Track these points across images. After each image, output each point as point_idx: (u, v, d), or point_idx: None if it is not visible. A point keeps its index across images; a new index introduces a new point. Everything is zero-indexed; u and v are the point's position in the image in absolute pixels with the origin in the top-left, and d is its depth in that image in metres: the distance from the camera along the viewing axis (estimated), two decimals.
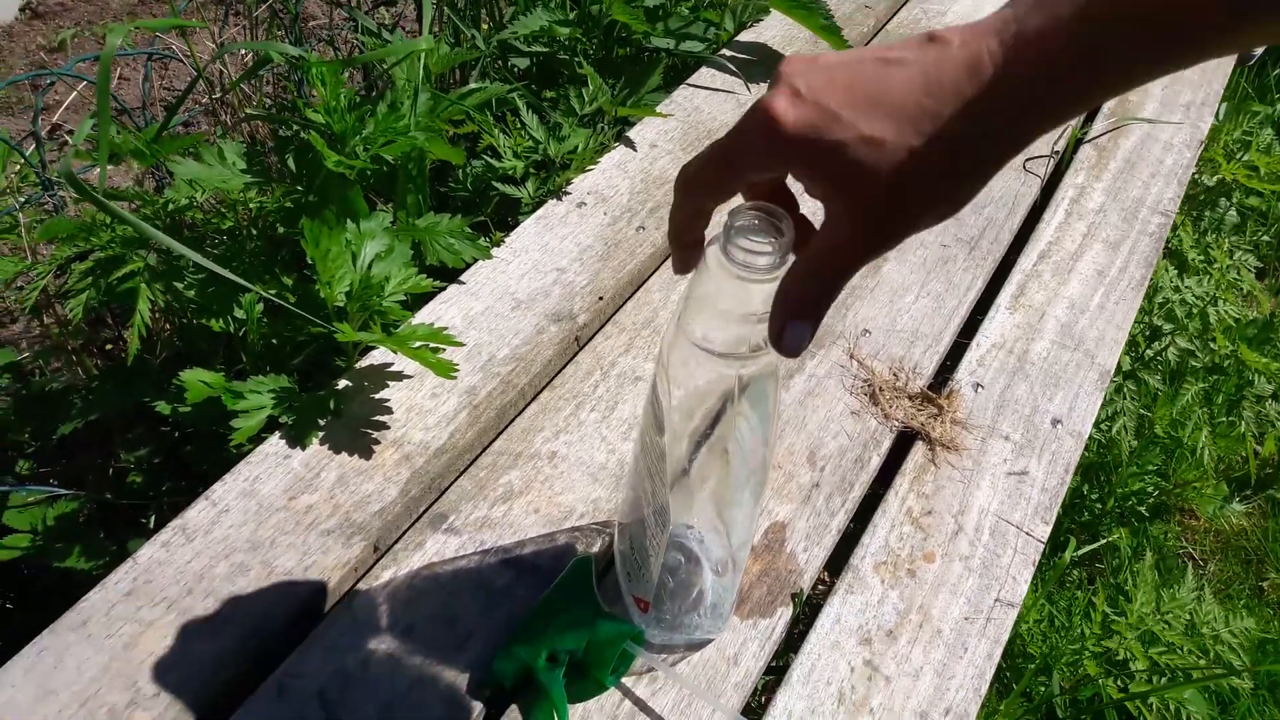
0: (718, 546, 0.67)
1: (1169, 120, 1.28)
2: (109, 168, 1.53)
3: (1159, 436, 1.23)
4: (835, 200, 0.41)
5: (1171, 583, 1.11)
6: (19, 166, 1.03)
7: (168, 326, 1.09)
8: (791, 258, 0.45)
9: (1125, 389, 1.18)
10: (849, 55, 0.41)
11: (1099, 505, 1.22)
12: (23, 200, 1.00)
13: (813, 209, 0.43)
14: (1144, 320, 1.25)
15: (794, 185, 0.45)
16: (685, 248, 0.49)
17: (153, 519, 0.94)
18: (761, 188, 0.47)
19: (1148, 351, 1.23)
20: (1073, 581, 1.19)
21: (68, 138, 1.57)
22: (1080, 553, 1.11)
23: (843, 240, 0.41)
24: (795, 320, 0.43)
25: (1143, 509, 1.23)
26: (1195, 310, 1.24)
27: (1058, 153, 1.18)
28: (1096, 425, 1.22)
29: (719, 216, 0.46)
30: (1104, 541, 1.17)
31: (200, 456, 0.96)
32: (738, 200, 0.47)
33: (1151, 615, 1.04)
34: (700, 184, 0.45)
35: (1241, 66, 1.71)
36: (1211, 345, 1.22)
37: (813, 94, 0.40)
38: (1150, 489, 1.25)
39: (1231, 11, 0.34)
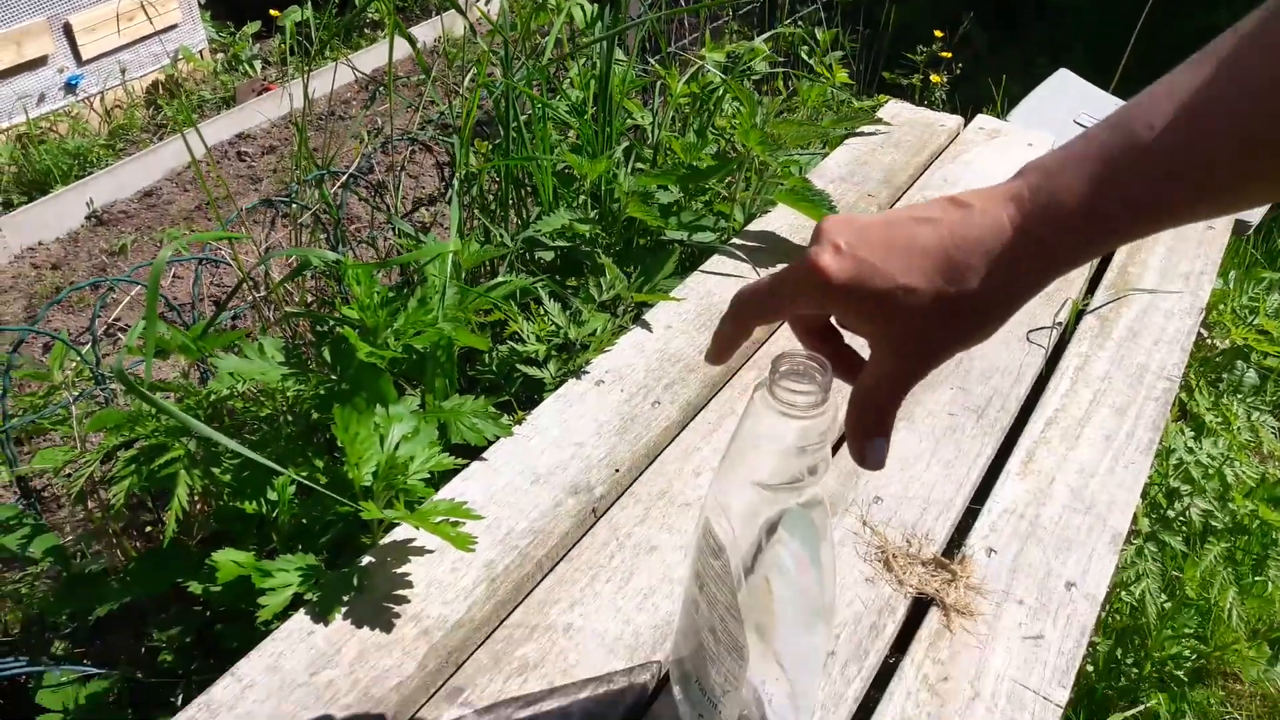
0: (775, 680, 0.68)
1: (1169, 290, 1.32)
2: (160, 361, 1.62)
3: (1191, 598, 1.21)
4: (878, 338, 0.49)
5: None
6: (75, 363, 1.10)
7: (204, 509, 1.13)
8: (829, 398, 0.53)
9: (1147, 550, 1.17)
10: (881, 216, 0.49)
11: (1135, 670, 1.19)
12: (76, 394, 1.07)
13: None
14: (1163, 482, 1.25)
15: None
16: (723, 351, 0.56)
17: (180, 697, 0.95)
18: (806, 319, 0.55)
19: (1169, 512, 1.23)
20: None
21: (121, 334, 1.68)
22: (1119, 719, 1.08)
23: (888, 371, 0.49)
24: (870, 439, 0.50)
25: (1181, 673, 1.20)
26: (1212, 471, 1.24)
27: (1060, 324, 1.22)
28: (1124, 588, 1.21)
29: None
30: (1142, 708, 1.13)
31: (229, 635, 0.99)
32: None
33: None
34: (751, 311, 0.53)
35: (1239, 236, 1.77)
36: (1231, 506, 1.22)
37: (852, 249, 0.47)
38: (1188, 652, 1.22)
39: (1242, 151, 0.41)
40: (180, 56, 3.57)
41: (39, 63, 3.17)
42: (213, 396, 1.04)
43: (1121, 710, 1.14)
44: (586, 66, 1.67)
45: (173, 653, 1.02)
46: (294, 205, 1.34)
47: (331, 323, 1.06)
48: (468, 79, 1.24)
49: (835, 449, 1.02)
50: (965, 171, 1.56)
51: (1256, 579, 1.22)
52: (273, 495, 0.93)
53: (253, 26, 3.88)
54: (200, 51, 3.68)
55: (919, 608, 0.86)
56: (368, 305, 0.95)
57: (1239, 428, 1.34)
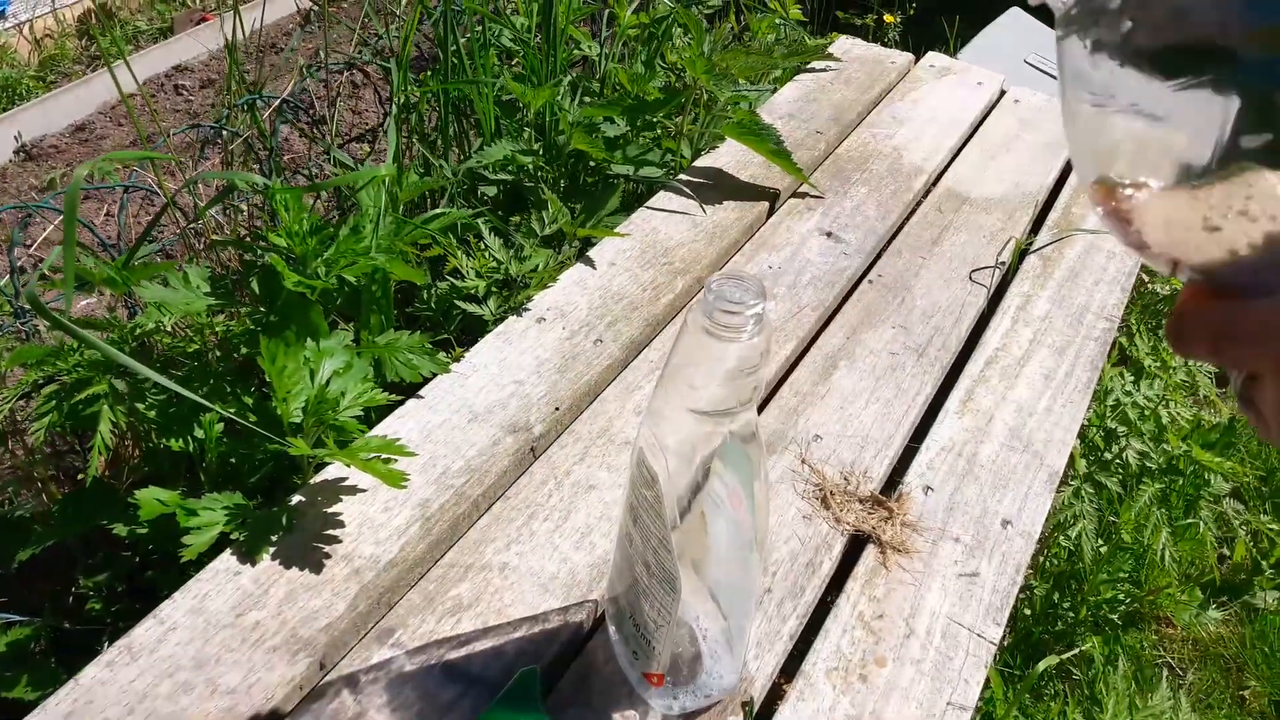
0: (710, 616, 0.68)
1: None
2: (89, 299, 1.57)
3: (1126, 542, 1.23)
4: None
5: (1147, 692, 1.10)
6: None
7: (136, 453, 1.10)
8: (764, 322, 0.51)
9: (1084, 492, 1.19)
10: None
11: (1072, 614, 1.21)
12: None
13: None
14: (1101, 424, 1.26)
15: None
16: None
17: (106, 644, 0.93)
18: None
19: (1106, 455, 1.24)
20: (1049, 694, 1.17)
21: (48, 270, 1.62)
22: (1053, 663, 1.10)
23: None
24: None
25: (1115, 617, 1.22)
26: (1149, 412, 1.26)
27: (1004, 264, 1.22)
28: (1061, 531, 1.22)
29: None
30: (1076, 651, 1.15)
31: (161, 581, 0.96)
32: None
33: None
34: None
35: None
36: (1166, 447, 1.24)
37: None
38: (1123, 596, 1.24)
39: None
40: None
41: None
42: (139, 331, 1.00)
43: (1057, 654, 1.16)
44: None
45: (101, 600, 0.99)
46: (224, 132, 1.29)
47: (261, 253, 1.03)
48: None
49: (778, 385, 1.02)
50: (914, 109, 1.54)
51: (1189, 521, 1.24)
52: (200, 433, 0.90)
53: None
54: None
55: (856, 545, 0.86)
56: (296, 232, 0.91)
57: (1175, 367, 1.36)
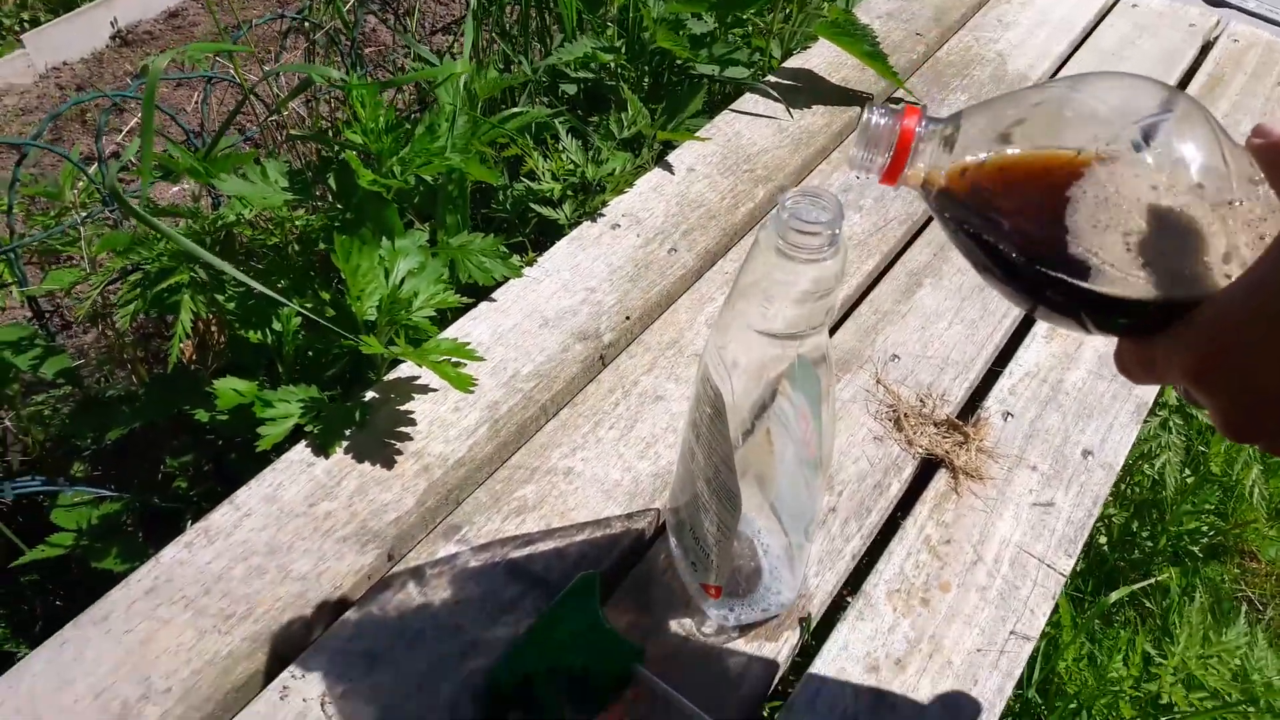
0: (771, 532, 0.68)
1: None
2: (176, 187, 1.59)
3: (1214, 474, 1.18)
4: None
5: (1223, 626, 1.07)
6: (82, 183, 1.08)
7: (222, 339, 1.12)
8: (839, 241, 0.49)
9: (1172, 423, 1.14)
10: None
11: (1150, 543, 1.18)
12: (84, 215, 1.05)
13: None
14: None
15: None
16: None
17: (189, 523, 0.97)
18: None
19: None
20: (1119, 620, 1.14)
21: (134, 158, 1.65)
22: (1126, 591, 1.07)
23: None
24: None
25: (1196, 549, 1.18)
26: None
27: None
28: (1147, 460, 1.18)
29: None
30: (1152, 580, 1.12)
31: (243, 466, 0.99)
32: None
33: (1197, 659, 1.00)
34: None
35: None
36: None
37: None
38: (1206, 528, 1.20)
39: None
40: None
41: None
42: (220, 222, 1.01)
43: (1131, 582, 1.13)
44: None
45: (187, 479, 1.03)
46: (306, 22, 1.28)
47: (337, 148, 1.02)
48: None
49: (858, 302, 0.99)
50: (1022, 12, 1.45)
51: None
52: (278, 326, 0.92)
53: None
54: None
55: (927, 469, 0.84)
56: (372, 130, 0.91)
57: None
